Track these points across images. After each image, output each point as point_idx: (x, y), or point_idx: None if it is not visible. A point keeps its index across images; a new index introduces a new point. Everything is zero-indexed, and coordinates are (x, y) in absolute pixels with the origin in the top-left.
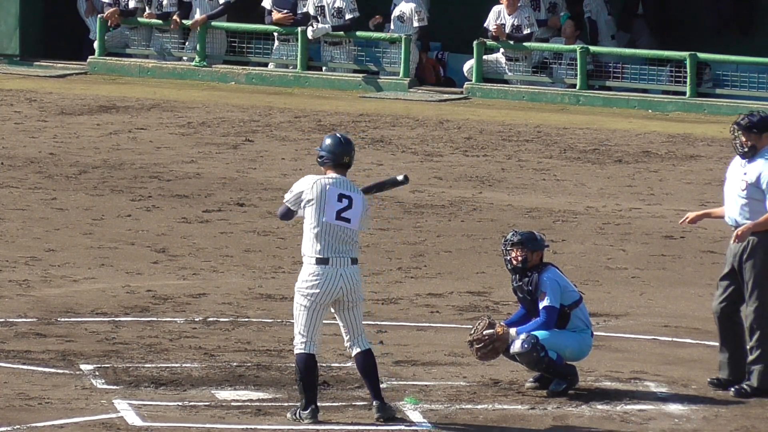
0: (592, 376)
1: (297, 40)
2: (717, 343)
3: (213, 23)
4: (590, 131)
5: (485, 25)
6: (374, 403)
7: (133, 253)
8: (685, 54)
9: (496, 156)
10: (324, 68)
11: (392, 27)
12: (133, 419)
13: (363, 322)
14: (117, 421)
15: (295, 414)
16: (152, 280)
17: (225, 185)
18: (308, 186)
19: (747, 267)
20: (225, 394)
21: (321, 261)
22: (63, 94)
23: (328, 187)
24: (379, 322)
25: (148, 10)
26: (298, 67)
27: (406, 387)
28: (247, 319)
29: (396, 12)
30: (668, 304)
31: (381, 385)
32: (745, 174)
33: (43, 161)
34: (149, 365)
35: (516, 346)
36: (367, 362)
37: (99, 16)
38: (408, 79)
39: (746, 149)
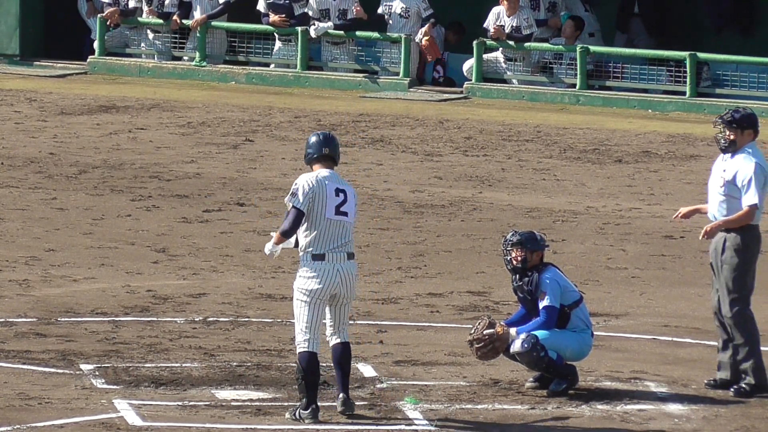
0: (592, 376)
1: (297, 40)
2: (713, 343)
3: (213, 23)
4: (590, 131)
5: (485, 26)
6: (340, 396)
7: (133, 253)
8: (684, 54)
9: (496, 156)
10: (325, 68)
11: (391, 22)
12: (133, 419)
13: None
14: (117, 421)
15: (294, 414)
16: (152, 280)
17: (225, 185)
18: (310, 182)
19: (723, 264)
20: (225, 394)
21: (317, 257)
22: (63, 94)
23: (326, 182)
24: (379, 322)
25: (147, 8)
26: (298, 67)
27: (406, 387)
28: (247, 319)
29: (396, 8)
30: (668, 304)
31: (380, 385)
32: (724, 171)
33: (43, 161)
34: (149, 365)
35: (516, 346)
36: (343, 354)
37: (99, 16)
38: (408, 79)
39: (727, 144)
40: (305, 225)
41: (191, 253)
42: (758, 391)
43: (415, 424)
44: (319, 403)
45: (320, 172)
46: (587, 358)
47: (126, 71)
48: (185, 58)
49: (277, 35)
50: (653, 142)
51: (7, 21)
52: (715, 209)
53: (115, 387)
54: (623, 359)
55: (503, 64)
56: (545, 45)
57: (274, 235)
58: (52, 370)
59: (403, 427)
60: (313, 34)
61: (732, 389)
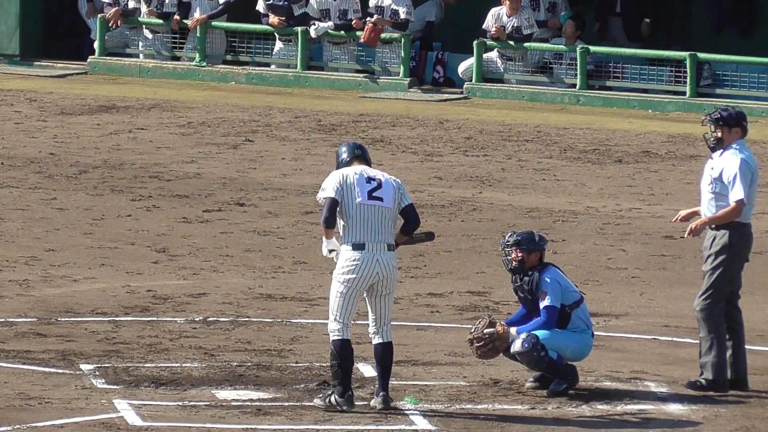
0: (592, 376)
1: (297, 40)
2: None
3: (213, 23)
4: (590, 131)
5: (484, 26)
6: (380, 393)
7: (133, 253)
8: (685, 54)
9: (496, 156)
10: (325, 68)
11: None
12: (133, 419)
13: (391, 313)
14: (117, 421)
15: (328, 400)
16: (152, 280)
17: (225, 185)
18: (338, 176)
19: (707, 260)
20: (225, 394)
21: (357, 247)
22: (63, 94)
23: (355, 173)
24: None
25: (146, 9)
26: (298, 67)
27: (406, 387)
28: (247, 319)
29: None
30: (668, 304)
31: None
32: (712, 169)
33: (43, 161)
34: (149, 365)
35: (516, 346)
36: (385, 354)
37: (99, 16)
38: (408, 79)
39: (715, 142)
40: (341, 216)
41: (191, 253)
42: (714, 388)
43: (415, 424)
44: (318, 403)
45: (352, 167)
46: (587, 358)
47: (126, 71)
48: (184, 58)
49: (277, 35)
50: (653, 142)
51: (7, 21)
52: (705, 208)
53: (115, 387)
54: (623, 359)
55: (500, 65)
56: (545, 45)
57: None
58: (52, 370)
59: (403, 427)
60: (313, 34)
61: (688, 383)
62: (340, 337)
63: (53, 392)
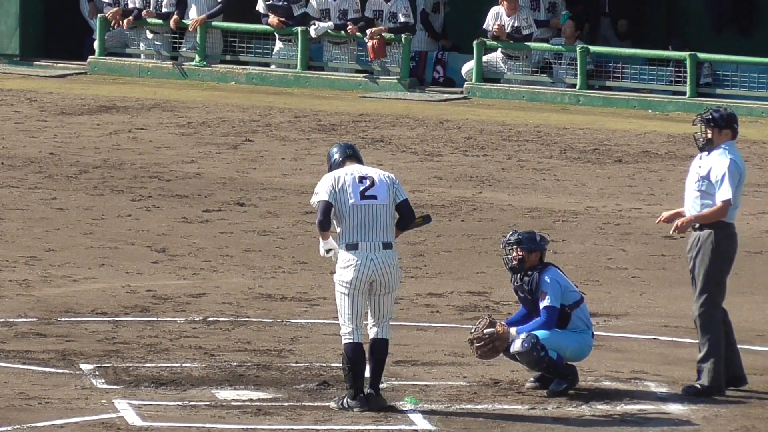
0: (592, 376)
1: (297, 40)
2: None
3: (213, 23)
4: (590, 131)
5: (484, 26)
6: (368, 390)
7: (133, 253)
8: (685, 54)
9: (496, 156)
10: (326, 68)
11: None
12: (133, 419)
13: (391, 312)
14: (117, 420)
15: (341, 403)
16: (152, 280)
17: (225, 185)
18: (331, 179)
19: (696, 263)
20: (225, 394)
21: (351, 247)
22: (63, 94)
23: (347, 173)
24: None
25: (145, 11)
26: (298, 67)
27: (406, 387)
28: (247, 319)
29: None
30: (668, 304)
31: (381, 385)
32: (699, 167)
33: (43, 161)
34: (149, 365)
35: (516, 346)
36: (380, 349)
37: (100, 15)
38: (408, 79)
39: (704, 142)
40: (336, 218)
41: (191, 253)
42: (710, 393)
43: (415, 424)
44: (320, 403)
45: (344, 168)
46: (587, 359)
47: (126, 71)
48: (181, 58)
49: (277, 35)
50: (653, 142)
51: (7, 21)
52: (690, 206)
53: (115, 387)
54: (623, 359)
55: (503, 65)
56: (545, 45)
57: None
58: (52, 370)
59: (403, 427)
60: (313, 34)
61: (684, 387)
62: (351, 341)
63: (53, 392)
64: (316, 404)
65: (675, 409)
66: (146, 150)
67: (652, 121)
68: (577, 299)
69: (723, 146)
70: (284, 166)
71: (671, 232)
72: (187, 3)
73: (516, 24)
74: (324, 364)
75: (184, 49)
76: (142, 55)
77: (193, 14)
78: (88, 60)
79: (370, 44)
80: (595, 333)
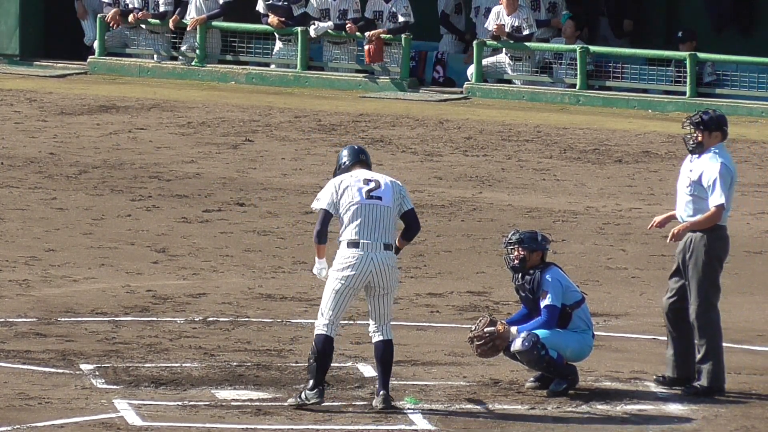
0: (592, 376)
1: (297, 40)
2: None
3: (212, 23)
4: (590, 131)
5: (485, 26)
6: (380, 392)
7: (133, 253)
8: (685, 54)
9: (496, 156)
10: (326, 68)
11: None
12: (133, 419)
13: (391, 312)
14: (117, 420)
15: (300, 396)
16: (152, 280)
17: (225, 185)
18: (335, 185)
19: (689, 265)
20: (225, 394)
21: (352, 244)
22: (63, 94)
23: (352, 176)
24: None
25: (141, 13)
26: (298, 67)
27: (406, 387)
28: (247, 319)
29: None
30: None
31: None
32: (690, 171)
33: (43, 161)
34: (149, 365)
35: (517, 344)
36: (385, 351)
37: (99, 15)
38: (408, 79)
39: (695, 145)
40: (341, 219)
41: (191, 253)
42: (710, 394)
43: (415, 424)
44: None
45: (351, 172)
46: (587, 359)
47: (126, 71)
48: (180, 58)
49: (277, 35)
50: (653, 142)
51: (7, 21)
52: (682, 210)
53: (115, 387)
54: (623, 359)
55: (508, 68)
56: (545, 45)
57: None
58: (52, 370)
59: (403, 427)
60: (313, 34)
61: (684, 388)
62: (324, 333)
63: (53, 392)
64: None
65: (675, 409)
66: (146, 150)
67: (652, 121)
68: (578, 299)
69: (713, 149)
70: (284, 166)
71: (668, 241)
72: (186, 3)
73: (516, 23)
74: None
75: (184, 48)
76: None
77: (192, 15)
78: (88, 60)
79: (367, 48)
80: (595, 333)
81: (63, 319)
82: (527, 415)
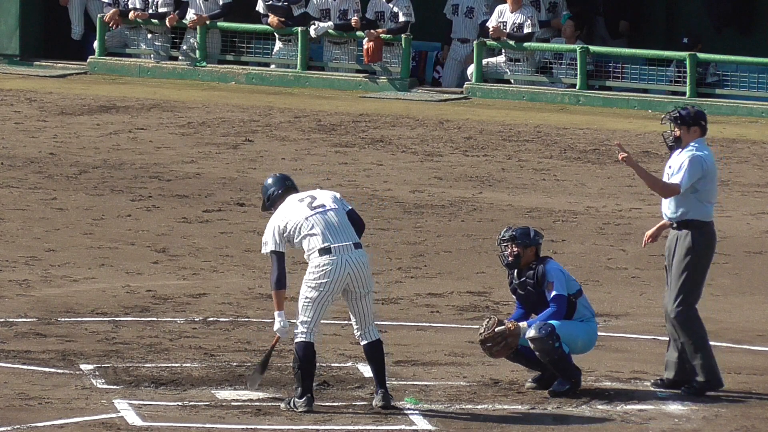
0: (592, 376)
1: (297, 40)
2: (713, 343)
3: (212, 23)
4: (590, 131)
5: (487, 24)
6: (379, 391)
7: (133, 253)
8: (685, 54)
9: (496, 156)
10: (326, 68)
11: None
12: (133, 419)
13: (374, 312)
14: (117, 421)
15: (289, 403)
16: (152, 280)
17: (225, 185)
18: (274, 225)
19: (673, 262)
20: (225, 394)
21: (324, 251)
22: (63, 94)
23: (285, 207)
24: (379, 322)
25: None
26: (298, 67)
27: (406, 387)
28: (247, 319)
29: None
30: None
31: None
32: (669, 167)
33: (43, 161)
34: (149, 365)
35: (532, 332)
36: (375, 353)
37: (99, 16)
38: (408, 79)
39: (673, 141)
40: (300, 240)
41: (191, 253)
42: (709, 389)
43: (415, 424)
44: (320, 403)
45: (285, 201)
46: (588, 358)
47: (126, 71)
48: (180, 58)
49: (277, 35)
50: (653, 142)
51: (7, 21)
52: (666, 207)
53: (115, 387)
54: (623, 359)
55: (506, 68)
56: (545, 45)
57: (274, 304)
58: (52, 370)
59: (403, 427)
60: (313, 34)
61: (683, 388)
62: (304, 340)
63: (53, 392)
64: (315, 404)
65: (675, 409)
66: (146, 150)
67: (652, 121)
68: (578, 288)
69: (692, 144)
70: (284, 166)
71: (620, 158)
72: (186, 3)
73: (519, 21)
74: (324, 364)
75: (183, 47)
76: (143, 54)
77: (192, 16)
78: (88, 60)
79: (366, 47)
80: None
81: (63, 319)
82: (527, 415)
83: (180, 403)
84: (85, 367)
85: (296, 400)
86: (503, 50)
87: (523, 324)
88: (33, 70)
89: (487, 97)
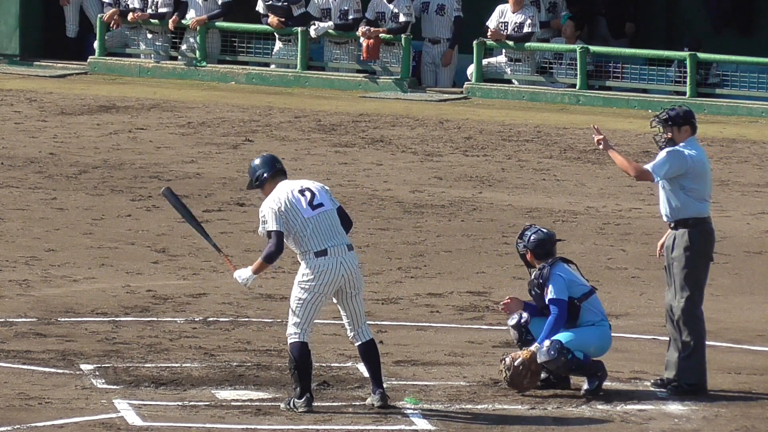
0: None
1: (297, 40)
2: (713, 343)
3: (212, 23)
4: (590, 131)
5: (487, 23)
6: (376, 391)
7: (133, 253)
8: (685, 54)
9: (496, 156)
10: (326, 68)
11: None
12: (133, 419)
13: (365, 311)
14: (117, 421)
15: (288, 404)
16: (152, 280)
17: (225, 185)
18: (274, 202)
19: (674, 262)
20: (225, 394)
21: (320, 253)
22: (63, 94)
23: (287, 192)
24: (379, 322)
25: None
26: (298, 67)
27: (406, 387)
28: (247, 319)
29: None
30: None
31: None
32: None
33: (43, 161)
34: (149, 365)
35: (542, 356)
36: (369, 352)
37: (99, 16)
38: (408, 79)
39: (665, 143)
40: (293, 237)
41: (191, 253)
42: (695, 391)
43: (415, 424)
44: (320, 403)
45: (278, 187)
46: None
47: (126, 71)
48: (180, 58)
49: (277, 35)
50: (653, 143)
51: (7, 21)
52: (663, 207)
53: (115, 387)
54: (623, 359)
55: (507, 68)
56: (545, 45)
57: (253, 265)
58: (52, 370)
59: (403, 427)
60: (313, 34)
61: (669, 387)
62: (298, 340)
63: (53, 392)
64: (315, 404)
65: (675, 409)
66: (146, 150)
67: None
68: (585, 291)
69: (682, 144)
70: (284, 166)
71: (596, 142)
72: (185, 3)
73: (520, 20)
74: (323, 364)
75: (183, 47)
76: (142, 54)
77: (192, 16)
78: (88, 60)
79: (365, 44)
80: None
81: (63, 319)
82: (527, 415)
83: (180, 403)
84: (85, 367)
85: (296, 400)
86: (503, 50)
87: (535, 346)
88: (33, 70)
89: (487, 97)
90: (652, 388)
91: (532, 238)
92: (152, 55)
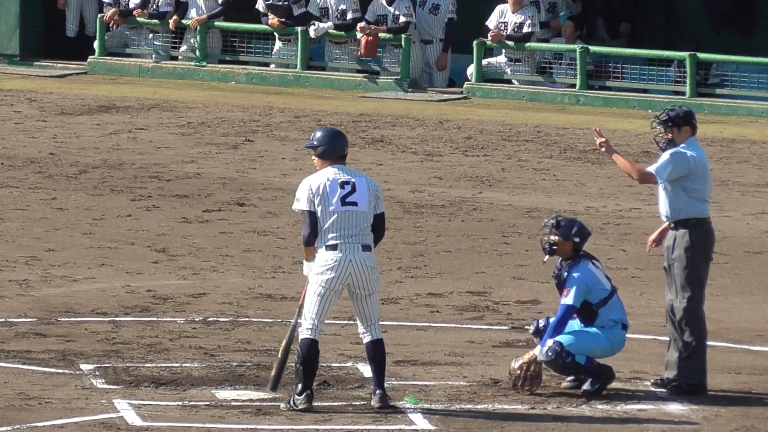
0: None
1: (297, 40)
2: (713, 343)
3: (211, 23)
4: (590, 131)
5: (487, 23)
6: (376, 391)
7: (133, 253)
8: (685, 54)
9: (496, 156)
10: (327, 68)
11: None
12: (133, 419)
13: (378, 315)
14: (117, 421)
15: (289, 402)
16: (152, 280)
17: (225, 185)
18: (311, 183)
19: (675, 263)
20: (225, 394)
21: (331, 248)
22: (63, 94)
23: (327, 179)
24: (379, 322)
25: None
26: (298, 67)
27: (406, 387)
28: (247, 319)
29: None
30: None
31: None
32: None
33: (43, 161)
34: (149, 365)
35: (540, 356)
36: (376, 351)
37: (99, 16)
38: (408, 79)
39: (666, 144)
40: (319, 221)
41: (191, 253)
42: (695, 391)
43: (415, 424)
44: (320, 403)
45: (326, 170)
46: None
47: (126, 71)
48: (180, 58)
49: (277, 35)
50: (653, 143)
51: (7, 21)
52: (663, 207)
53: (115, 387)
54: (623, 359)
55: (507, 69)
56: (545, 45)
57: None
58: (52, 370)
59: (403, 427)
60: (312, 34)
61: (669, 387)
62: (309, 337)
63: (53, 392)
64: (316, 404)
65: (675, 409)
66: (146, 150)
67: None
68: (604, 296)
69: (682, 145)
70: (284, 166)
71: (598, 144)
72: (186, 3)
73: (520, 21)
74: (324, 364)
75: (183, 48)
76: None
77: (192, 16)
78: (88, 60)
79: (364, 40)
80: (627, 324)
81: (63, 319)
82: (527, 415)
83: (180, 403)
84: (85, 367)
85: (296, 396)
86: (503, 50)
87: (537, 349)
88: (33, 70)
89: (487, 97)
90: (652, 388)
91: (575, 229)
92: (152, 56)
